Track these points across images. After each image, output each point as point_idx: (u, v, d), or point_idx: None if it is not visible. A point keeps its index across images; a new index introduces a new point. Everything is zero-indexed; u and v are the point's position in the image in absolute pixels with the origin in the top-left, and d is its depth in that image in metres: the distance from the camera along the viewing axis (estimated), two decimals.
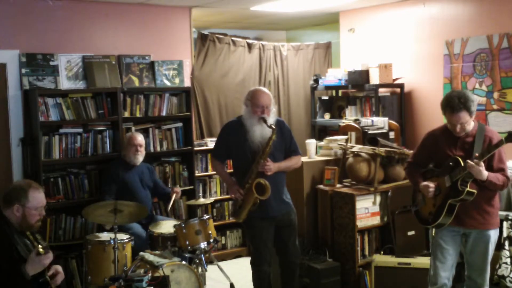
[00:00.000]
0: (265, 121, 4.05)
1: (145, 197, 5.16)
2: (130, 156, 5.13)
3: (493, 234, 3.68)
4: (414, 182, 3.88)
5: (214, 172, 6.10)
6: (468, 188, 3.51)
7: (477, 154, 3.47)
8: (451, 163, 3.61)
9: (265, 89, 4.26)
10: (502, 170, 3.59)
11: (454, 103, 3.53)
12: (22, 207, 3.12)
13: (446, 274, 3.76)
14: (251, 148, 4.09)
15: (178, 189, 5.30)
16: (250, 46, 6.84)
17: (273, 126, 4.03)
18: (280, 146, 4.19)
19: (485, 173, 3.46)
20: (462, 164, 3.52)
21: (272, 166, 4.05)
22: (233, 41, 6.70)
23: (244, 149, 4.12)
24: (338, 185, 5.07)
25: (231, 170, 4.56)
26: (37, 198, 3.18)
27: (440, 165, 3.72)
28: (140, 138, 5.18)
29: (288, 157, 4.26)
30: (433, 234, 3.76)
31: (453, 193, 3.57)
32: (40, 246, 2.98)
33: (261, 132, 4.07)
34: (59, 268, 3.18)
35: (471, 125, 3.64)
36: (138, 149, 5.12)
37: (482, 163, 3.44)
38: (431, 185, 3.66)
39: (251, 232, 4.28)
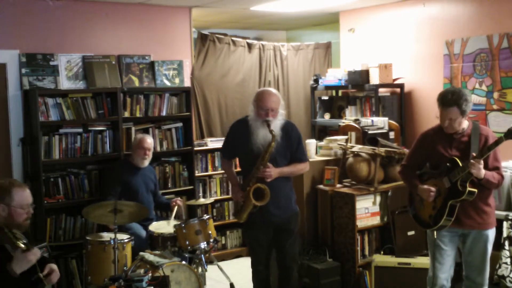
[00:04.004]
0: (268, 125, 3.91)
1: (147, 200, 5.13)
2: (137, 159, 5.12)
3: (491, 234, 3.68)
4: (411, 186, 3.85)
5: (214, 172, 6.11)
6: (469, 188, 3.50)
7: (474, 154, 3.47)
8: (448, 164, 3.60)
9: (273, 91, 4.08)
10: (497, 169, 3.59)
11: (446, 97, 3.56)
12: (7, 206, 3.07)
13: (444, 275, 3.76)
14: (253, 151, 3.98)
15: (180, 202, 5.25)
16: (250, 46, 6.84)
17: (274, 132, 3.89)
18: (284, 150, 4.05)
19: (483, 171, 3.46)
20: (460, 165, 3.51)
21: (272, 172, 3.94)
22: (233, 41, 6.71)
23: (247, 150, 4.02)
24: (338, 185, 5.08)
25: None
26: (22, 196, 3.13)
27: (436, 166, 3.71)
28: (149, 141, 5.14)
29: (293, 162, 4.11)
30: (435, 236, 3.74)
31: (453, 193, 3.56)
32: (19, 242, 2.94)
33: (264, 135, 3.95)
34: (54, 266, 3.16)
35: (464, 124, 3.63)
36: (146, 152, 5.10)
37: (482, 162, 3.43)
38: (432, 189, 3.63)
39: (249, 233, 4.27)
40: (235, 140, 4.17)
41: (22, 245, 2.92)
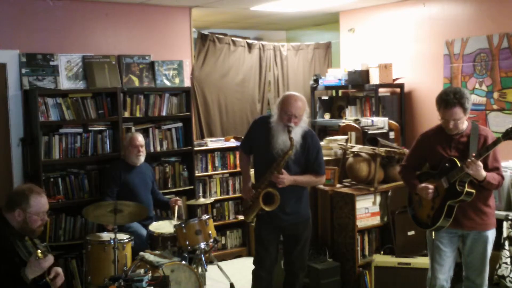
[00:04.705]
0: (289, 131, 3.81)
1: (146, 198, 5.15)
2: (132, 158, 5.13)
3: (491, 235, 3.67)
4: (410, 186, 3.84)
5: (214, 172, 6.11)
6: (467, 189, 3.49)
7: (474, 154, 3.46)
8: (447, 164, 3.59)
9: (300, 96, 3.96)
10: (497, 169, 3.58)
11: (448, 98, 3.51)
12: (23, 212, 3.09)
13: (444, 276, 3.74)
14: (270, 154, 3.90)
15: (180, 202, 5.27)
16: (250, 46, 6.84)
17: (293, 141, 3.81)
18: (299, 159, 3.94)
19: (483, 173, 3.45)
20: (459, 165, 3.51)
21: (286, 180, 3.84)
22: (233, 41, 6.71)
23: (264, 150, 3.95)
24: (338, 185, 5.08)
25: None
26: (39, 203, 3.14)
27: (435, 167, 3.71)
28: (140, 139, 5.17)
29: (309, 173, 4.00)
30: (433, 237, 3.74)
31: (451, 194, 3.55)
32: (39, 251, 2.95)
33: (283, 141, 3.84)
34: (59, 270, 3.17)
35: (464, 124, 3.63)
36: (140, 149, 5.12)
37: (480, 163, 3.42)
38: (430, 186, 3.63)
39: (255, 235, 4.20)
40: (255, 137, 4.09)
41: (41, 255, 2.92)
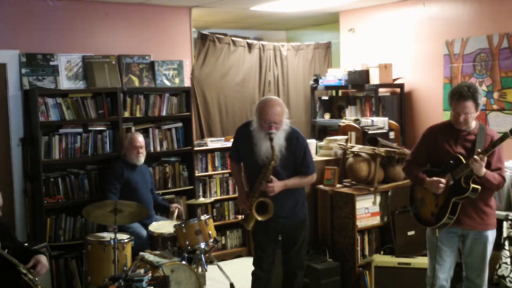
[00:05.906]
0: (271, 139, 3.77)
1: (147, 197, 5.17)
2: (132, 158, 5.15)
3: (491, 235, 3.66)
4: (416, 180, 3.80)
5: (214, 172, 6.11)
6: (472, 185, 3.49)
7: (479, 150, 3.46)
8: (451, 161, 3.58)
9: (276, 101, 3.86)
10: (499, 170, 3.58)
11: (463, 90, 3.52)
12: None
13: (444, 275, 3.74)
14: (257, 163, 3.88)
15: (181, 210, 5.31)
16: (250, 46, 6.84)
17: (275, 151, 3.76)
18: (287, 163, 3.89)
19: (484, 170, 3.45)
20: (464, 162, 3.50)
21: (276, 188, 3.83)
22: (233, 41, 6.71)
23: (251, 161, 3.92)
24: (338, 185, 5.08)
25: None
26: None
27: (439, 164, 3.70)
28: (140, 139, 5.19)
29: (298, 175, 3.96)
30: (437, 235, 3.73)
31: (456, 191, 3.54)
32: None
33: (267, 148, 3.80)
34: (40, 258, 3.13)
35: (473, 123, 3.63)
36: (139, 150, 5.15)
37: (485, 159, 3.42)
38: (443, 180, 3.57)
39: (253, 237, 4.21)
40: (241, 146, 4.07)
41: None
